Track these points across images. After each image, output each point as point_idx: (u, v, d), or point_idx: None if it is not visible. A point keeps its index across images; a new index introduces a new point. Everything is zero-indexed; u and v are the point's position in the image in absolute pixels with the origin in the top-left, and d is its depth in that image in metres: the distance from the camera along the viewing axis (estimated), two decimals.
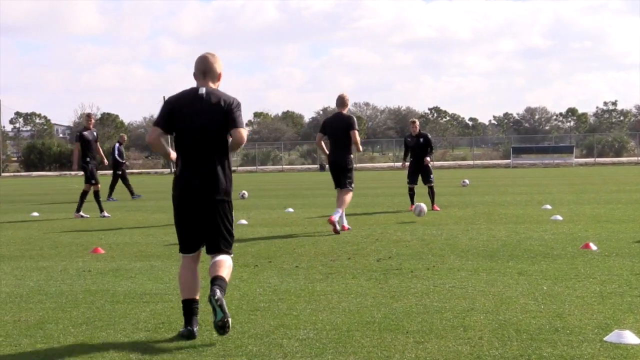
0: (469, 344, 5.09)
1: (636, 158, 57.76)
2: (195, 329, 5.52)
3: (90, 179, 16.21)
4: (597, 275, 7.52)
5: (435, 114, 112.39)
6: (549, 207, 15.62)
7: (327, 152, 12.38)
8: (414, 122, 16.86)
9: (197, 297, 5.65)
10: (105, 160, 17.42)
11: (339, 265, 8.59)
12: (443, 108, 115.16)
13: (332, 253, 9.62)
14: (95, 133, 16.54)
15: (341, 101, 12.29)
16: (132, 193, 23.56)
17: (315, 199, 20.98)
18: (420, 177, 16.45)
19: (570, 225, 12.21)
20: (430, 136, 16.80)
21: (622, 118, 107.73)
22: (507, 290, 6.89)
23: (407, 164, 16.62)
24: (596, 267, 8.05)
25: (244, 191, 23.27)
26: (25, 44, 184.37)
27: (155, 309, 6.46)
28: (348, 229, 12.23)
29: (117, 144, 24.08)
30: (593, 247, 9.40)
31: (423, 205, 14.03)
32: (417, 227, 12.54)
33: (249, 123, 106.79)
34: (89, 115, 17.09)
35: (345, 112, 12.22)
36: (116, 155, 23.57)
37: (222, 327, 5.16)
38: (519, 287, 7.03)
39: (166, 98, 6.13)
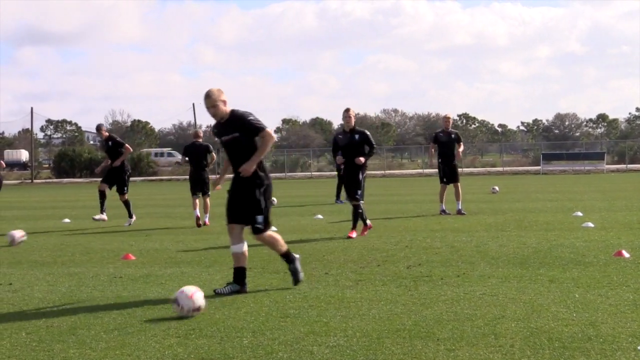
0: (500, 351, 5.06)
1: None
2: None
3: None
4: (631, 283, 7.43)
5: (464, 120, 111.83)
6: (580, 214, 15.47)
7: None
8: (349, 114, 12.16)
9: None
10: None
11: (369, 272, 8.57)
12: (472, 114, 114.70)
13: (362, 260, 9.60)
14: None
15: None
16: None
17: (344, 205, 20.96)
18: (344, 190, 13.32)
19: (602, 232, 12.08)
20: (369, 133, 12.44)
21: None
22: (538, 297, 6.84)
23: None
24: (629, 274, 7.95)
25: (272, 198, 23.27)
26: (67, 53, 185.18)
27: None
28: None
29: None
30: (626, 254, 9.29)
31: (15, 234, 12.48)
32: (447, 234, 12.48)
33: (277, 130, 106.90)
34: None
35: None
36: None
37: None
38: (551, 294, 6.97)
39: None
